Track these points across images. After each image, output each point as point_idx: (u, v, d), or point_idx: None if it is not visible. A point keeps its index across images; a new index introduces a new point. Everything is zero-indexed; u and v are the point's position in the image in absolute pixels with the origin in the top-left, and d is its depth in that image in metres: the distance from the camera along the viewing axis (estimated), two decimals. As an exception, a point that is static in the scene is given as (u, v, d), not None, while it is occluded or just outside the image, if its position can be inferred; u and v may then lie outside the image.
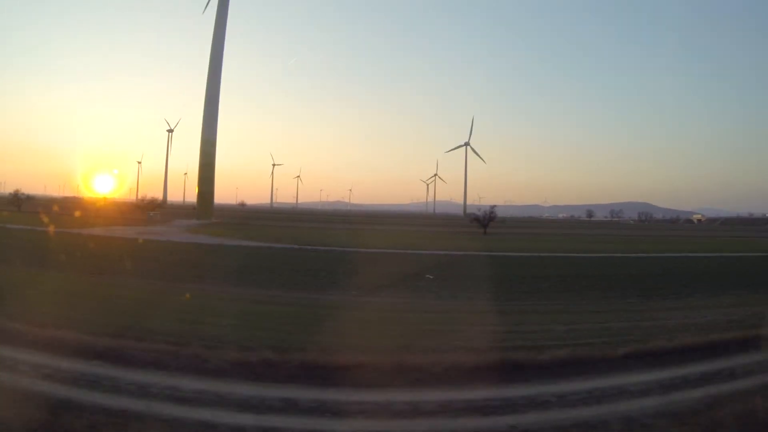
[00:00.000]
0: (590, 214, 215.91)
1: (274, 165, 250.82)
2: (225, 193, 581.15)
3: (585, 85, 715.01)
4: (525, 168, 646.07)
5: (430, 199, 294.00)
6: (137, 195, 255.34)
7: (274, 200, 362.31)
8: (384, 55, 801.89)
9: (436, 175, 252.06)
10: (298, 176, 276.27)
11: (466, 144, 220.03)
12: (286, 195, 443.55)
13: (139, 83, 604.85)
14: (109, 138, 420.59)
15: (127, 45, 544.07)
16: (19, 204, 70.67)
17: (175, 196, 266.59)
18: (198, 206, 73.84)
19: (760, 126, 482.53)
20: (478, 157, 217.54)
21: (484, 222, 62.77)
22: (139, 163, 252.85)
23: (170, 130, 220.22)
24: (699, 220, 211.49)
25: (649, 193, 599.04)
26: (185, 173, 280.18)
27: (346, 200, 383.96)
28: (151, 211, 71.99)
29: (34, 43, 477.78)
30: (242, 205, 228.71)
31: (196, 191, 74.54)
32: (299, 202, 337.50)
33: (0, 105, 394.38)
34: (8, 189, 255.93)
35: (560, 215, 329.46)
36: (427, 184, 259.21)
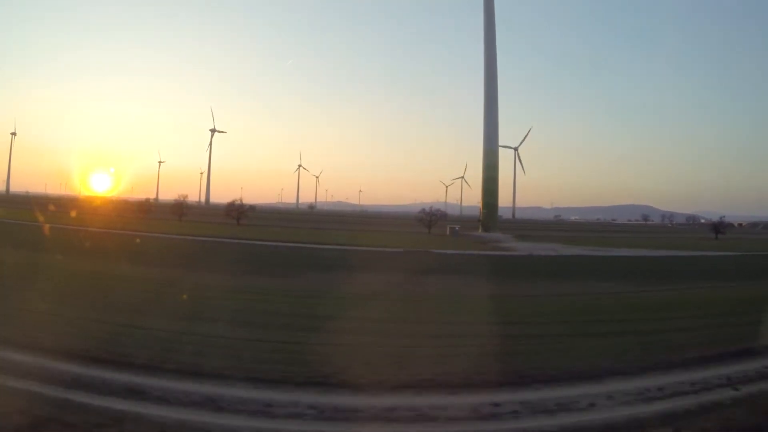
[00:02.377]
0: (646, 218, 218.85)
1: (300, 165, 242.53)
2: (233, 193, 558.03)
3: (584, 86, 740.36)
4: (526, 169, 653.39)
5: (441, 200, 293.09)
6: (157, 195, 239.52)
7: (280, 200, 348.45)
8: (392, 56, 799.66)
9: (462, 177, 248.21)
10: (317, 176, 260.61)
11: (515, 149, 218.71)
12: (291, 195, 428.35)
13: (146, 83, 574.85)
14: (110, 137, 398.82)
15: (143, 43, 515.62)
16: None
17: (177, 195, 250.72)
18: (484, 218, 66.07)
19: (760, 130, 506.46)
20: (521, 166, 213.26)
21: (719, 229, 74.50)
22: (161, 162, 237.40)
23: (213, 130, 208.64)
24: (740, 225, 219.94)
25: (648, 196, 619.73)
26: (201, 173, 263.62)
27: (347, 200, 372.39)
28: (452, 224, 60.79)
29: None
30: (312, 207, 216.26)
31: (480, 203, 65.81)
32: (301, 201, 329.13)
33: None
34: (10, 189, 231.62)
35: (573, 218, 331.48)
36: (447, 186, 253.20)
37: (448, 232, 59.02)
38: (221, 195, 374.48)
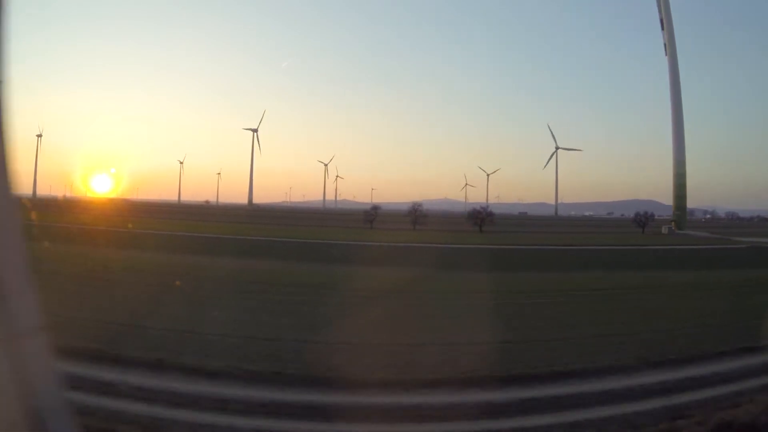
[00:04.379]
0: (690, 213, 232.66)
1: (326, 165, 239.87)
2: (240, 194, 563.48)
3: (584, 83, 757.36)
4: (526, 166, 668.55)
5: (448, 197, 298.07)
6: (179, 196, 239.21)
7: (288, 199, 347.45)
8: (400, 55, 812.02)
9: (488, 175, 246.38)
10: (337, 176, 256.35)
11: (556, 148, 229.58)
12: (297, 194, 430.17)
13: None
14: (124, 139, 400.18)
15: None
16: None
17: (190, 195, 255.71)
18: (678, 218, 78.06)
19: (761, 125, 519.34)
20: (573, 150, 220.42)
21: None
22: (181, 162, 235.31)
23: (254, 130, 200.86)
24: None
25: (652, 191, 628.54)
26: (218, 173, 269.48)
27: (354, 198, 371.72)
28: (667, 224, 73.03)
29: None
30: (376, 209, 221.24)
31: (673, 205, 78.16)
32: (310, 200, 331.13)
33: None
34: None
35: (587, 213, 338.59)
36: (466, 184, 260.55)
37: (665, 231, 71.10)
38: (230, 195, 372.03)
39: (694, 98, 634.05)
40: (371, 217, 66.73)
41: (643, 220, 73.78)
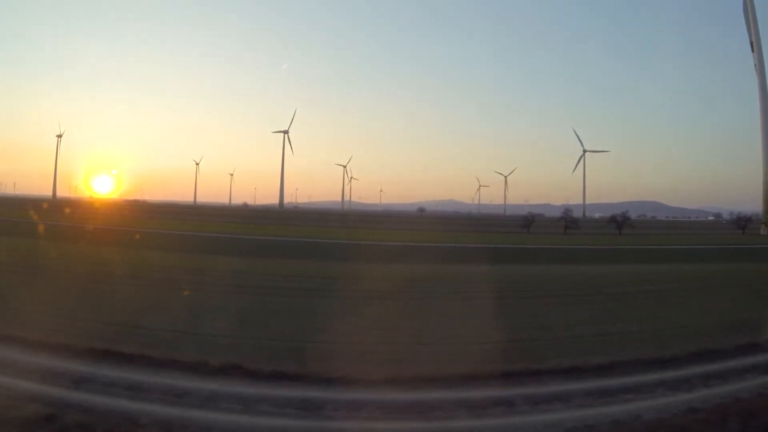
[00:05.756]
0: (718, 215, 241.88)
1: (344, 167, 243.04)
2: (246, 194, 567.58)
3: (586, 83, 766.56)
4: (527, 167, 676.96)
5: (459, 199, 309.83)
6: (195, 197, 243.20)
7: (295, 200, 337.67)
8: (406, 55, 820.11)
9: (506, 177, 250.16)
10: (351, 177, 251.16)
11: (584, 151, 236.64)
12: (302, 196, 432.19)
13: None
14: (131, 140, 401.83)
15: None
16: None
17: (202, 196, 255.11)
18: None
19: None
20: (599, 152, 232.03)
21: None
22: (197, 163, 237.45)
23: (285, 132, 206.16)
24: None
25: (657, 191, 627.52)
26: (231, 173, 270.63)
27: (359, 200, 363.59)
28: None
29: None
30: (422, 211, 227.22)
31: (763, 208, 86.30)
32: (308, 201, 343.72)
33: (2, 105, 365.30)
34: (17, 190, 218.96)
35: (597, 215, 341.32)
36: (479, 185, 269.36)
37: (764, 233, 79.93)
38: (241, 196, 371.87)
39: (689, 99, 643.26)
40: (528, 222, 72.57)
41: (743, 222, 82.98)
